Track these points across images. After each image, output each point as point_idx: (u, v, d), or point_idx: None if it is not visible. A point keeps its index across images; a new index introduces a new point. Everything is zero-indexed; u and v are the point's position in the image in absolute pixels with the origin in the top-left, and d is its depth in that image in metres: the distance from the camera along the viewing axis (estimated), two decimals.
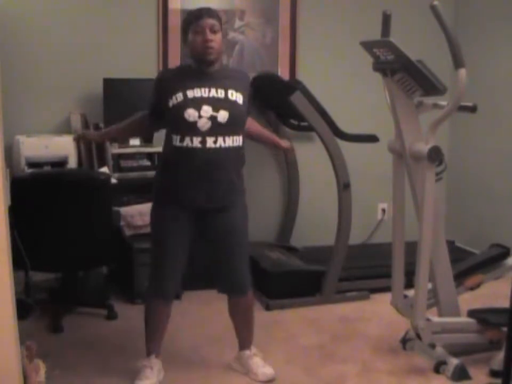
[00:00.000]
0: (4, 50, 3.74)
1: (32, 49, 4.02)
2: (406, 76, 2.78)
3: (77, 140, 3.41)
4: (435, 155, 2.83)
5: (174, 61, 4.28)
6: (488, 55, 4.59)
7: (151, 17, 4.25)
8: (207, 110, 2.62)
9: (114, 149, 3.94)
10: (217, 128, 2.63)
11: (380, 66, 2.85)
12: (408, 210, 3.11)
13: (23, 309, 3.39)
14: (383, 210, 4.91)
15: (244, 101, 2.72)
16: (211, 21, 2.64)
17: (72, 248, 3.40)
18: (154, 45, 4.27)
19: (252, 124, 3.00)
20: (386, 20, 2.90)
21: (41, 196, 3.36)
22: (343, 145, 3.83)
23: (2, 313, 1.71)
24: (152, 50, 4.28)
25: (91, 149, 3.96)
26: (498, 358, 2.86)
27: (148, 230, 3.68)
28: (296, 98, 3.65)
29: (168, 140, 2.73)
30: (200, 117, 2.61)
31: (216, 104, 2.64)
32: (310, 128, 3.92)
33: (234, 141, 2.69)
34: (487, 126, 4.62)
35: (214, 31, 2.64)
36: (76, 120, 4.01)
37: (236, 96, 2.70)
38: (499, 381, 2.42)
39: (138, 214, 3.83)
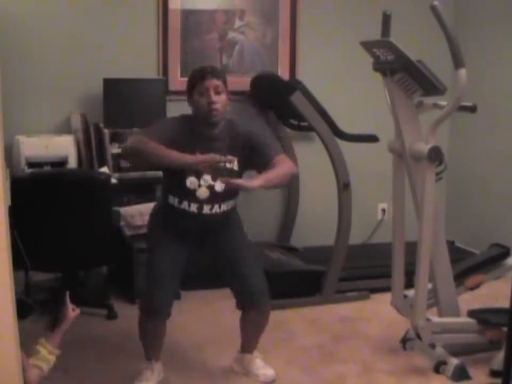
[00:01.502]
0: (4, 50, 3.74)
1: (32, 49, 4.02)
2: (406, 76, 2.78)
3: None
4: (435, 155, 2.83)
5: (174, 60, 4.29)
6: (488, 55, 4.59)
7: (151, 17, 4.25)
8: (206, 180, 2.65)
9: (114, 149, 3.94)
10: (214, 197, 2.67)
11: (380, 66, 2.86)
12: (408, 210, 3.11)
13: (23, 309, 3.38)
14: (383, 210, 4.91)
15: (239, 166, 2.69)
16: (215, 82, 2.61)
17: (72, 248, 3.40)
18: (154, 45, 4.27)
19: (283, 161, 2.72)
20: (386, 19, 2.90)
21: (41, 196, 3.36)
22: (343, 145, 3.83)
23: (2, 313, 1.71)
24: (152, 50, 4.28)
25: (91, 149, 3.96)
26: (498, 358, 2.86)
27: None
28: (296, 98, 3.65)
29: (165, 195, 2.75)
30: (199, 186, 2.65)
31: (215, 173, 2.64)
32: (310, 128, 3.93)
33: (229, 205, 2.75)
34: (487, 126, 4.62)
35: (218, 92, 2.61)
36: (76, 120, 4.01)
37: (232, 164, 2.67)
38: (499, 381, 2.42)
39: (138, 214, 3.83)
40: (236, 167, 2.68)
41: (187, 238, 2.77)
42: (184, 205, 2.67)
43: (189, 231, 2.76)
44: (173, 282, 2.78)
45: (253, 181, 2.51)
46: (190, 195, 2.66)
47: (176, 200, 2.69)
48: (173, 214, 2.73)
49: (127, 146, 2.69)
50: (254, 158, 2.68)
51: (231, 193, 2.72)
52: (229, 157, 2.54)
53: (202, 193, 2.65)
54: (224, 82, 2.65)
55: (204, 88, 2.60)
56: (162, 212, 2.81)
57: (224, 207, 2.72)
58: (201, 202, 2.66)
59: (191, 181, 2.64)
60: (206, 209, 2.68)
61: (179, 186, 2.66)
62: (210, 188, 2.66)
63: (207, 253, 2.85)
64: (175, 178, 2.65)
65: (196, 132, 2.66)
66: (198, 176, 2.64)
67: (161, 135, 2.59)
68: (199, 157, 2.48)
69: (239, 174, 2.71)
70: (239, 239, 2.86)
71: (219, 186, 2.66)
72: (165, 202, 2.76)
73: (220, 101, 2.61)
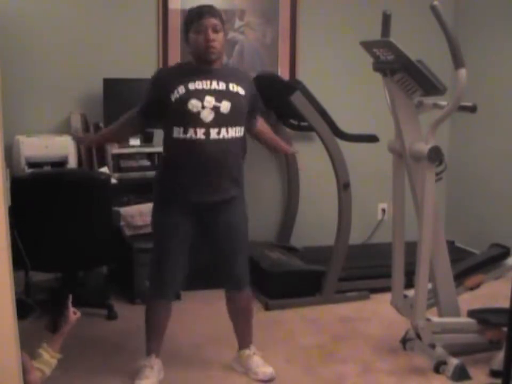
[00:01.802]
0: (4, 50, 3.74)
1: (32, 49, 4.02)
2: (406, 76, 2.78)
3: (76, 141, 3.42)
4: (435, 155, 2.83)
5: (174, 61, 4.28)
6: (488, 55, 4.59)
7: (151, 17, 4.25)
8: (210, 101, 2.62)
9: (114, 149, 3.94)
10: (220, 119, 2.63)
11: (380, 66, 2.86)
12: (408, 210, 3.11)
13: (23, 309, 3.39)
14: (383, 210, 4.91)
15: (245, 93, 2.73)
16: (213, 21, 2.63)
17: (72, 248, 3.40)
18: (154, 45, 4.28)
19: (263, 126, 3.01)
20: (386, 19, 2.90)
21: (41, 196, 3.36)
22: (343, 145, 3.83)
23: (2, 313, 1.71)
24: (152, 50, 4.28)
25: (91, 149, 3.96)
26: (498, 358, 2.86)
27: (148, 230, 3.68)
28: (296, 98, 3.65)
29: (169, 135, 2.70)
30: (203, 107, 2.61)
31: (218, 95, 2.64)
32: (310, 128, 3.93)
33: (236, 131, 2.70)
34: (487, 126, 4.62)
35: (216, 31, 2.63)
36: (76, 120, 4.01)
37: (237, 89, 2.70)
38: (499, 381, 2.42)
39: (138, 214, 3.83)
40: (241, 91, 2.71)
41: (193, 201, 2.70)
42: (190, 133, 2.61)
43: (197, 181, 2.67)
44: (181, 261, 2.78)
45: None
46: (194, 119, 2.61)
47: (182, 130, 2.63)
48: (179, 156, 2.66)
49: None
50: (249, 105, 2.77)
51: (237, 115, 2.69)
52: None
53: (207, 115, 2.61)
54: (221, 21, 2.67)
55: (201, 27, 2.62)
56: (167, 167, 2.76)
57: (232, 132, 2.67)
58: (207, 126, 2.61)
59: (193, 104, 2.60)
60: (213, 133, 2.62)
61: (182, 114, 2.62)
62: (215, 109, 2.62)
63: (209, 227, 2.81)
64: (176, 108, 2.62)
65: (191, 70, 2.69)
66: (200, 98, 2.61)
67: (148, 100, 2.74)
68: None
69: (243, 99, 2.72)
70: (237, 219, 2.83)
71: (224, 107, 2.64)
72: (170, 144, 2.71)
73: (217, 39, 2.64)
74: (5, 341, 1.73)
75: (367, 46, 2.85)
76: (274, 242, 4.60)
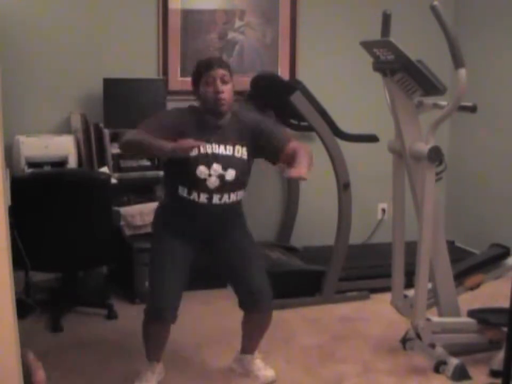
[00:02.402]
0: (4, 50, 3.74)
1: (32, 49, 4.02)
2: (406, 76, 2.78)
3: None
4: (435, 155, 2.83)
5: (174, 60, 4.29)
6: (488, 55, 4.59)
7: (151, 17, 4.24)
8: (216, 169, 2.63)
9: (114, 149, 3.94)
10: (224, 186, 2.65)
11: (380, 66, 2.86)
12: (408, 210, 3.11)
13: (23, 309, 3.40)
14: (383, 210, 4.91)
15: (248, 156, 2.71)
16: (222, 72, 2.61)
17: (72, 248, 3.40)
18: (154, 45, 4.27)
19: (294, 146, 2.73)
20: (386, 19, 2.90)
21: (41, 196, 3.36)
22: (343, 145, 3.83)
23: (2, 313, 1.71)
24: (152, 50, 4.27)
25: (91, 149, 3.96)
26: (498, 358, 2.86)
27: (148, 230, 3.69)
28: (296, 98, 3.65)
29: (173, 187, 2.71)
30: (210, 175, 2.63)
31: (225, 162, 2.64)
32: (310, 128, 3.92)
33: (238, 195, 2.73)
34: (487, 126, 4.62)
35: (224, 82, 2.61)
36: (76, 120, 4.01)
37: (241, 153, 2.69)
38: (499, 381, 2.43)
39: (138, 214, 3.83)
40: (244, 156, 2.69)
41: (193, 236, 2.74)
42: (194, 195, 2.64)
43: (196, 224, 2.72)
44: (179, 285, 2.73)
45: (302, 169, 2.48)
46: (200, 185, 2.63)
47: (186, 190, 2.65)
48: (181, 207, 2.69)
49: (123, 140, 2.70)
50: (266, 145, 2.70)
51: (240, 182, 2.70)
52: (199, 142, 2.54)
53: (213, 182, 2.63)
54: (230, 72, 2.65)
55: (210, 78, 2.60)
56: (168, 208, 2.78)
57: (233, 196, 2.70)
58: (211, 192, 2.64)
59: (201, 170, 2.61)
60: (216, 199, 2.65)
61: (189, 176, 2.63)
62: (221, 177, 2.64)
63: (213, 253, 2.83)
64: (185, 168, 2.62)
65: (202, 123, 2.66)
66: (208, 165, 2.62)
67: (160, 126, 2.61)
68: (176, 143, 2.47)
69: (247, 164, 2.72)
70: (244, 239, 2.84)
71: (229, 175, 2.64)
72: (173, 196, 2.71)
73: (227, 90, 2.62)
74: (5, 341, 1.73)
75: (367, 46, 2.85)
76: (274, 242, 4.60)
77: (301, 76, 4.48)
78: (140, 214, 3.82)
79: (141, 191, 4.05)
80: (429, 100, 2.98)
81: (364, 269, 4.17)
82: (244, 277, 2.78)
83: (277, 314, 3.71)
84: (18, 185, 3.27)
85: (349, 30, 4.52)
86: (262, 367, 2.95)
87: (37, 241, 3.37)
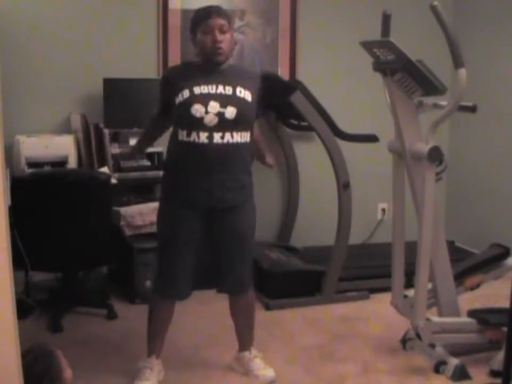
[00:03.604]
0: (4, 50, 3.74)
1: (32, 49, 4.02)
2: (406, 75, 2.78)
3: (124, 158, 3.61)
4: (435, 155, 2.83)
5: (174, 61, 4.28)
6: (488, 55, 4.59)
7: (151, 17, 4.24)
8: (214, 106, 2.59)
9: (114, 149, 3.94)
10: (224, 124, 2.60)
11: (380, 66, 2.86)
12: (408, 210, 3.11)
13: (23, 309, 3.40)
14: (383, 210, 4.91)
15: (252, 99, 2.69)
16: (220, 21, 2.59)
17: (72, 248, 3.40)
18: (154, 45, 4.27)
19: (255, 131, 2.94)
20: (386, 19, 2.90)
21: (41, 196, 3.36)
22: (343, 145, 3.82)
23: (2, 313, 1.71)
24: (152, 50, 4.27)
25: (91, 149, 3.96)
26: (498, 358, 2.86)
27: (148, 230, 3.69)
28: (296, 98, 3.65)
29: (174, 136, 2.70)
30: (207, 112, 2.58)
31: (224, 100, 2.61)
32: (310, 128, 3.92)
33: (242, 136, 2.66)
34: (487, 126, 4.62)
35: (223, 31, 2.60)
36: (76, 120, 4.01)
37: (244, 94, 2.66)
38: (499, 381, 2.43)
39: (138, 214, 3.83)
40: (248, 97, 2.67)
41: (199, 201, 2.67)
42: (193, 136, 2.59)
43: (201, 180, 2.64)
44: (189, 262, 2.74)
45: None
46: (197, 124, 2.58)
47: (185, 133, 2.61)
48: (183, 157, 2.65)
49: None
50: (273, 97, 2.77)
51: (243, 121, 2.66)
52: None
53: (211, 120, 2.58)
54: (229, 21, 2.64)
55: (208, 27, 2.59)
56: (172, 168, 2.75)
57: (237, 137, 2.63)
58: (210, 131, 2.58)
59: (196, 109, 2.58)
60: (217, 137, 2.59)
61: (185, 118, 2.61)
62: (220, 114, 2.59)
63: (213, 230, 2.78)
64: (181, 111, 2.62)
65: (201, 69, 2.66)
66: (204, 103, 2.59)
67: (161, 100, 2.76)
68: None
69: (252, 105, 2.69)
70: (244, 221, 2.80)
71: (229, 113, 2.60)
72: (174, 144, 2.69)
73: (225, 40, 2.60)
74: (5, 341, 1.73)
75: (367, 46, 2.85)
76: (274, 242, 4.60)
77: (301, 76, 4.48)
78: (140, 214, 3.82)
79: (141, 191, 4.05)
80: (429, 100, 2.98)
81: (364, 269, 4.16)
82: (229, 266, 2.81)
83: (277, 314, 3.73)
84: (18, 185, 3.29)
85: (349, 30, 4.52)
86: (261, 367, 2.95)
87: (37, 241, 3.37)
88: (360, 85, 4.55)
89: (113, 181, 3.72)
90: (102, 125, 3.98)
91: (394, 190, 3.15)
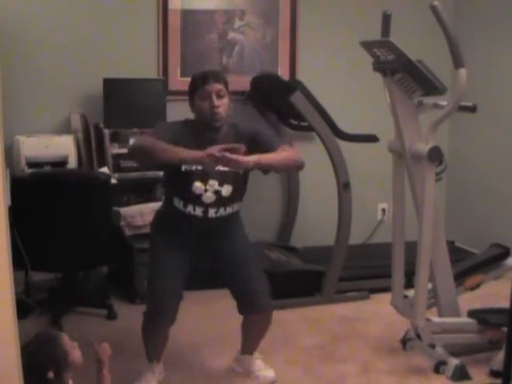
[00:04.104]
0: (4, 50, 3.74)
1: (32, 49, 4.02)
2: (406, 75, 2.78)
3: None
4: (435, 155, 2.83)
5: (174, 61, 4.29)
6: (487, 55, 4.59)
7: (151, 17, 4.24)
8: (212, 185, 2.63)
9: (114, 149, 3.94)
10: (220, 201, 2.65)
11: (380, 66, 2.86)
12: (408, 210, 3.11)
13: (23, 309, 3.40)
14: (383, 210, 4.91)
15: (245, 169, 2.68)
16: (217, 86, 2.59)
17: (72, 248, 3.40)
18: (154, 45, 4.27)
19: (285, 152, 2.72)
20: (386, 19, 2.90)
21: (41, 196, 3.36)
22: (343, 145, 3.83)
23: (2, 313, 1.71)
24: (152, 50, 4.28)
25: (91, 149, 3.96)
26: (498, 358, 2.86)
27: (147, 230, 3.69)
28: (296, 98, 3.65)
29: (169, 198, 2.73)
30: (205, 190, 2.62)
31: (221, 178, 2.63)
32: (310, 128, 3.93)
33: (234, 208, 2.73)
34: (487, 126, 4.62)
35: (220, 96, 2.59)
36: (76, 120, 4.01)
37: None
38: (499, 381, 2.43)
39: (138, 214, 3.83)
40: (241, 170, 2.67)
41: (190, 242, 2.75)
42: (189, 208, 2.65)
43: (192, 234, 2.74)
44: (177, 288, 2.74)
45: (248, 157, 2.47)
46: (196, 199, 2.63)
47: (182, 203, 2.66)
48: (177, 217, 2.70)
49: (133, 144, 2.67)
50: (262, 150, 2.62)
51: (237, 197, 2.71)
52: (236, 145, 2.49)
53: (208, 197, 2.63)
54: (226, 86, 2.63)
55: (205, 93, 2.58)
56: (166, 215, 2.79)
57: (229, 209, 2.71)
58: (206, 206, 2.65)
59: (197, 186, 2.61)
60: (211, 212, 2.66)
61: (184, 191, 2.64)
62: (217, 192, 2.64)
63: (210, 256, 2.83)
64: (180, 182, 2.63)
65: (199, 136, 2.64)
66: (204, 181, 2.62)
67: (165, 136, 2.57)
68: (208, 150, 2.44)
69: (244, 178, 2.72)
70: (240, 242, 2.84)
71: (226, 191, 2.65)
72: (169, 205, 2.73)
73: (222, 104, 2.60)
74: (5, 341, 1.73)
75: (367, 46, 2.85)
76: (274, 242, 4.60)
77: (301, 76, 4.48)
78: (140, 214, 3.82)
79: (141, 191, 4.05)
80: (429, 100, 2.98)
81: (364, 269, 4.16)
82: (242, 280, 2.78)
83: (277, 314, 3.71)
84: (18, 185, 3.29)
85: (349, 30, 4.52)
86: (262, 367, 2.95)
87: (37, 241, 3.37)
88: (360, 85, 4.55)
89: (113, 181, 3.72)
90: (102, 125, 3.98)
91: (394, 190, 3.15)
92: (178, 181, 2.65)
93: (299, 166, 2.75)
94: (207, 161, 2.45)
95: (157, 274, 2.75)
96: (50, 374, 1.97)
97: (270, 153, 2.59)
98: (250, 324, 2.88)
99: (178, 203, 2.67)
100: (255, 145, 2.64)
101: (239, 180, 2.70)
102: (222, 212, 2.68)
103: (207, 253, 2.82)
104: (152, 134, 2.62)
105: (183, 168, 2.60)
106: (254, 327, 2.89)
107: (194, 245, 2.76)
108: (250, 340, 2.96)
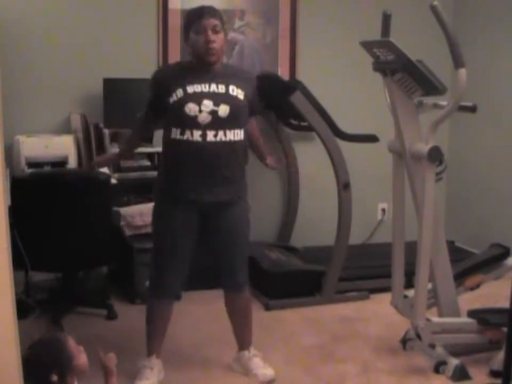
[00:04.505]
0: (4, 50, 3.74)
1: (32, 49, 4.02)
2: (406, 75, 2.78)
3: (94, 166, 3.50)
4: (435, 155, 2.83)
5: (174, 60, 4.28)
6: (488, 55, 4.59)
7: (151, 17, 4.24)
8: (207, 105, 2.61)
9: (114, 149, 3.94)
10: (217, 122, 2.62)
11: (380, 66, 2.86)
12: (408, 210, 3.11)
13: (23, 309, 3.39)
14: (383, 210, 4.91)
15: (245, 98, 2.71)
16: (213, 21, 2.61)
17: (72, 248, 3.40)
18: (154, 45, 4.27)
19: (254, 130, 2.96)
20: (386, 19, 2.90)
21: (41, 196, 3.36)
22: (343, 145, 3.83)
23: (2, 313, 1.71)
24: (152, 50, 4.28)
25: (91, 149, 3.96)
26: (498, 358, 2.86)
27: (148, 230, 3.69)
28: (296, 98, 3.65)
29: (167, 135, 2.71)
30: (200, 111, 2.60)
31: (217, 98, 2.63)
32: (310, 128, 3.92)
33: (235, 134, 2.67)
34: (487, 126, 4.62)
35: (216, 31, 2.61)
36: (76, 120, 4.01)
37: (237, 92, 2.69)
38: (499, 381, 2.43)
39: (138, 214, 3.83)
40: (240, 95, 2.69)
41: (193, 199, 2.69)
42: (187, 134, 2.61)
43: (194, 177, 2.67)
44: (183, 262, 2.76)
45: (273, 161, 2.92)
46: (191, 122, 2.60)
47: (179, 131, 2.63)
48: (177, 154, 2.67)
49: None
50: (251, 104, 2.76)
51: (236, 119, 2.67)
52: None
53: (204, 118, 2.60)
54: (222, 22, 2.65)
55: (201, 27, 2.60)
56: (165, 167, 2.76)
57: (230, 135, 2.65)
58: (204, 129, 2.60)
59: (190, 107, 2.60)
60: (210, 135, 2.61)
61: (179, 116, 2.62)
62: (213, 113, 2.61)
63: (208, 228, 2.80)
64: (175, 111, 2.62)
65: (193, 68, 2.66)
66: (198, 102, 2.61)
67: (151, 100, 2.74)
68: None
69: (244, 104, 2.71)
70: (236, 219, 2.82)
71: (222, 111, 2.62)
72: (168, 143, 2.71)
73: (217, 39, 2.61)
74: (5, 341, 1.73)
75: (367, 46, 2.85)
76: (274, 242, 4.60)
77: (301, 76, 4.47)
78: (140, 214, 3.82)
79: (141, 191, 4.04)
80: (429, 100, 2.98)
81: (364, 269, 4.16)
82: (225, 263, 2.84)
83: (277, 314, 3.73)
84: (18, 185, 3.29)
85: (349, 30, 4.52)
86: (261, 366, 2.96)
87: (37, 241, 3.37)
88: (360, 85, 4.55)
89: (113, 181, 3.73)
90: (102, 125, 3.98)
91: (394, 190, 3.15)
92: (172, 112, 2.64)
93: None
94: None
95: (161, 246, 2.77)
96: (54, 377, 1.97)
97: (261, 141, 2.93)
98: (231, 306, 2.95)
99: (175, 133, 2.64)
100: (254, 94, 2.77)
101: (238, 102, 2.68)
102: (221, 135, 2.63)
103: (205, 224, 2.77)
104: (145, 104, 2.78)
105: (171, 100, 2.63)
106: (235, 310, 2.95)
107: (197, 201, 2.69)
108: (239, 328, 2.99)
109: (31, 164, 3.75)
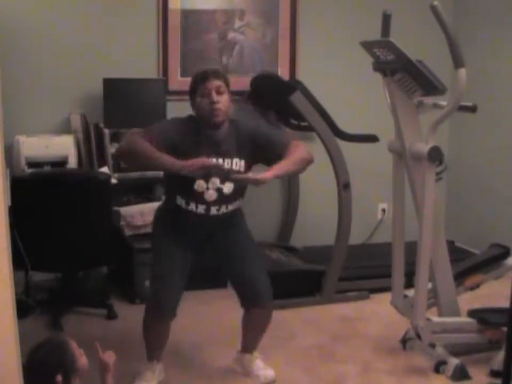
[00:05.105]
0: (4, 50, 3.74)
1: (32, 49, 4.02)
2: (406, 75, 2.78)
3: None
4: (435, 155, 2.83)
5: (174, 60, 4.29)
6: (488, 55, 4.59)
7: (151, 17, 4.24)
8: (214, 182, 2.65)
9: (114, 149, 3.93)
10: (222, 199, 2.68)
11: (380, 66, 2.86)
12: (408, 210, 3.11)
13: (23, 309, 3.40)
14: (383, 210, 4.91)
15: (246, 167, 2.69)
16: (217, 83, 2.61)
17: (72, 248, 3.40)
18: (154, 45, 4.27)
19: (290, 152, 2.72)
20: (386, 19, 2.91)
21: (41, 196, 3.36)
22: (343, 145, 3.83)
23: (2, 313, 1.71)
24: (152, 50, 4.27)
25: (91, 149, 3.96)
26: (498, 358, 2.86)
27: (148, 230, 3.69)
28: (296, 98, 3.65)
29: (170, 196, 2.75)
30: (207, 188, 2.64)
31: (223, 175, 2.64)
32: (310, 128, 3.92)
33: (235, 205, 2.75)
34: (487, 126, 4.62)
35: (219, 92, 2.61)
36: (76, 120, 4.01)
37: (240, 165, 2.68)
38: (499, 381, 2.43)
39: (138, 214, 3.83)
40: (242, 169, 2.69)
41: (192, 238, 2.77)
42: (192, 206, 2.67)
43: (195, 231, 2.76)
44: (179, 283, 2.76)
45: (264, 173, 2.55)
46: (198, 197, 2.65)
47: (184, 201, 2.68)
48: (179, 214, 2.72)
49: (121, 145, 2.68)
50: (266, 152, 2.69)
51: (238, 194, 2.73)
52: (220, 162, 2.59)
53: (210, 195, 2.65)
54: (226, 84, 2.65)
55: (205, 89, 2.60)
56: (168, 212, 2.80)
57: (231, 207, 2.73)
58: (208, 204, 2.66)
59: (199, 184, 2.63)
60: (213, 210, 2.68)
61: (186, 189, 2.65)
62: (219, 190, 2.65)
63: (212, 251, 2.84)
64: (182, 181, 2.62)
65: (200, 135, 2.65)
66: (206, 179, 2.63)
67: (160, 136, 2.59)
68: (187, 162, 2.48)
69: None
70: (243, 238, 2.85)
71: (227, 188, 2.66)
72: (171, 203, 2.75)
73: (222, 101, 2.61)
74: (5, 341, 1.73)
75: (367, 46, 2.85)
76: (274, 242, 4.60)
77: (301, 76, 4.48)
78: (140, 214, 3.82)
79: (141, 191, 4.04)
80: (429, 100, 2.98)
81: (364, 269, 4.16)
82: (245, 275, 2.80)
83: (277, 314, 3.71)
84: (18, 185, 3.29)
85: (349, 30, 4.51)
86: (262, 367, 2.95)
87: (37, 241, 3.37)
88: (360, 85, 4.54)
89: (113, 181, 3.72)
90: (102, 125, 3.98)
91: (394, 190, 3.15)
92: (179, 180, 2.64)
93: (311, 162, 2.77)
94: (183, 172, 2.50)
95: (159, 269, 2.76)
96: (59, 378, 1.99)
97: (283, 162, 2.62)
98: (251, 319, 2.88)
99: (180, 201, 2.69)
100: (259, 144, 2.68)
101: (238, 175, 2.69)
102: (224, 209, 2.70)
103: (209, 249, 2.83)
104: (144, 132, 2.61)
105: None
106: (255, 323, 2.90)
107: (196, 240, 2.78)
108: (250, 337, 2.96)
109: (31, 164, 3.75)
